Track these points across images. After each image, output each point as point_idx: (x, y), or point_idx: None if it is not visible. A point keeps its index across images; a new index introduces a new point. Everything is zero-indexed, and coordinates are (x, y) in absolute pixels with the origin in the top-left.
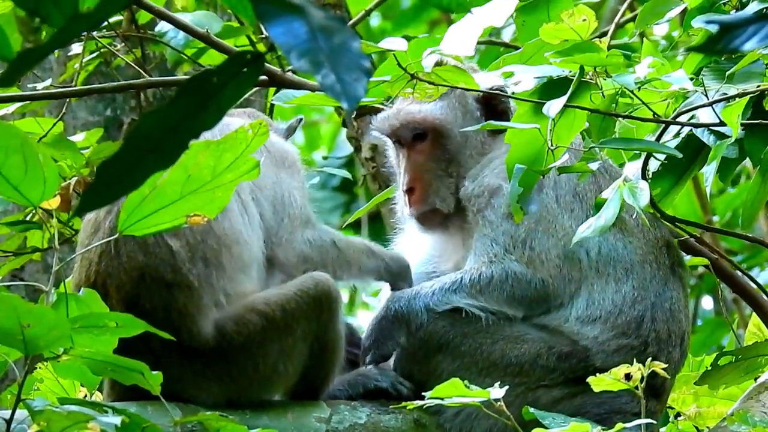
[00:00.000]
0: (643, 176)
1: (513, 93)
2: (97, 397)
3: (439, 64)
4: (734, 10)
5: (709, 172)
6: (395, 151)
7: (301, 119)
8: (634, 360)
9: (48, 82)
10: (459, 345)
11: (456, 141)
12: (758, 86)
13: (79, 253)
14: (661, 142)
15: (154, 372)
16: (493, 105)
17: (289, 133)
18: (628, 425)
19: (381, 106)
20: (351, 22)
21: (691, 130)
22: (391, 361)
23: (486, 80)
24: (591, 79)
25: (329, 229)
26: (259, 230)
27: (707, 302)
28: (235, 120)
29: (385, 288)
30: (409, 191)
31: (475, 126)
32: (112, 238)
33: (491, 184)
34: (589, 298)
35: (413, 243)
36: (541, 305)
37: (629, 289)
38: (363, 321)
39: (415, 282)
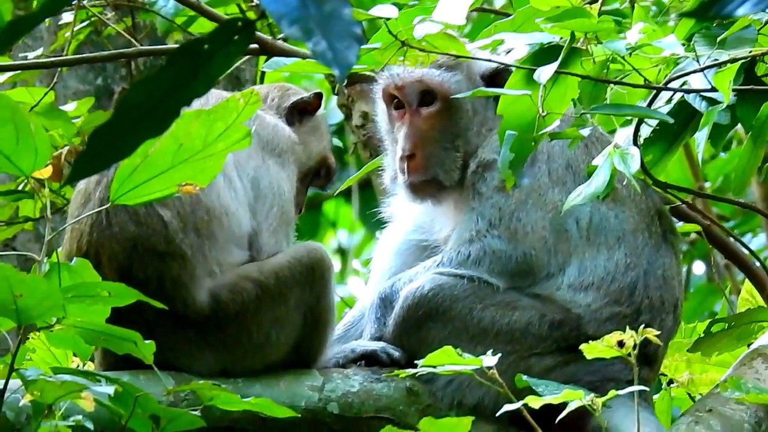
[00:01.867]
0: (635, 142)
1: (504, 61)
2: (90, 366)
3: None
4: None
5: (700, 138)
6: (389, 115)
7: (320, 94)
8: (627, 327)
9: (39, 51)
10: (448, 310)
11: (467, 115)
12: (750, 52)
13: (70, 223)
14: (652, 108)
15: (146, 341)
16: (499, 83)
17: (293, 108)
18: (620, 392)
19: (372, 74)
20: None
21: (682, 96)
22: None
23: (487, 57)
24: (582, 45)
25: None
26: (246, 205)
27: (699, 269)
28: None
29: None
30: (409, 158)
31: (466, 93)
32: (103, 208)
33: (485, 158)
34: (580, 266)
35: (404, 211)
36: (525, 278)
37: (621, 257)
38: (354, 288)
39: (405, 250)
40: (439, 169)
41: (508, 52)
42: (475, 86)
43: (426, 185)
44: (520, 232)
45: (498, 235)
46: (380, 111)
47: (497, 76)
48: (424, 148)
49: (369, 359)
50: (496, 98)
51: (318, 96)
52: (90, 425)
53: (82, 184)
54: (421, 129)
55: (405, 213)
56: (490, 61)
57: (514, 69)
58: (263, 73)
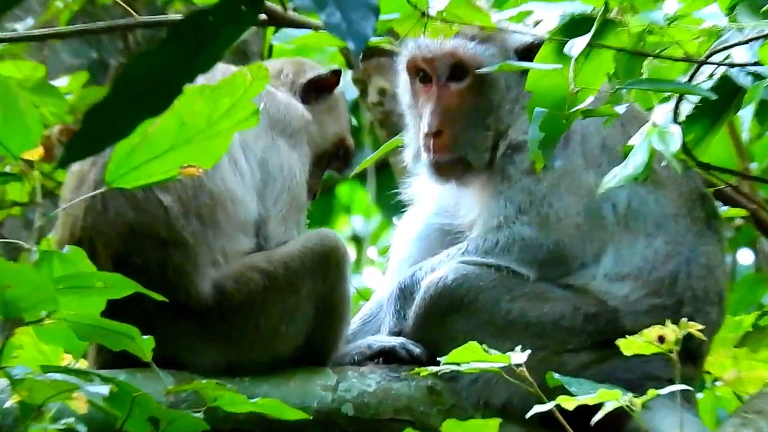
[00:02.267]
0: (675, 120)
1: (534, 33)
2: (83, 364)
3: None
4: None
5: (745, 115)
6: (412, 89)
7: (339, 71)
8: (668, 321)
9: (29, 22)
10: (474, 301)
11: (500, 92)
12: None
13: (63, 207)
14: (693, 83)
15: (145, 336)
16: (531, 59)
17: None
18: (661, 392)
19: (390, 47)
20: None
21: (725, 70)
22: None
23: (515, 29)
24: (617, 16)
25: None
26: (253, 190)
27: (745, 257)
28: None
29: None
30: (435, 135)
31: (492, 67)
32: (98, 191)
33: (515, 139)
34: (617, 254)
35: (426, 193)
36: (557, 267)
37: (661, 244)
38: (370, 278)
39: (426, 236)
40: (468, 149)
41: (537, 23)
42: (509, 60)
43: (452, 166)
44: (552, 218)
45: (528, 222)
46: (402, 84)
47: (531, 51)
48: (452, 125)
49: (387, 356)
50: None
51: (336, 73)
52: (83, 428)
53: (76, 166)
54: (450, 105)
55: (427, 196)
56: (517, 32)
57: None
58: (272, 46)
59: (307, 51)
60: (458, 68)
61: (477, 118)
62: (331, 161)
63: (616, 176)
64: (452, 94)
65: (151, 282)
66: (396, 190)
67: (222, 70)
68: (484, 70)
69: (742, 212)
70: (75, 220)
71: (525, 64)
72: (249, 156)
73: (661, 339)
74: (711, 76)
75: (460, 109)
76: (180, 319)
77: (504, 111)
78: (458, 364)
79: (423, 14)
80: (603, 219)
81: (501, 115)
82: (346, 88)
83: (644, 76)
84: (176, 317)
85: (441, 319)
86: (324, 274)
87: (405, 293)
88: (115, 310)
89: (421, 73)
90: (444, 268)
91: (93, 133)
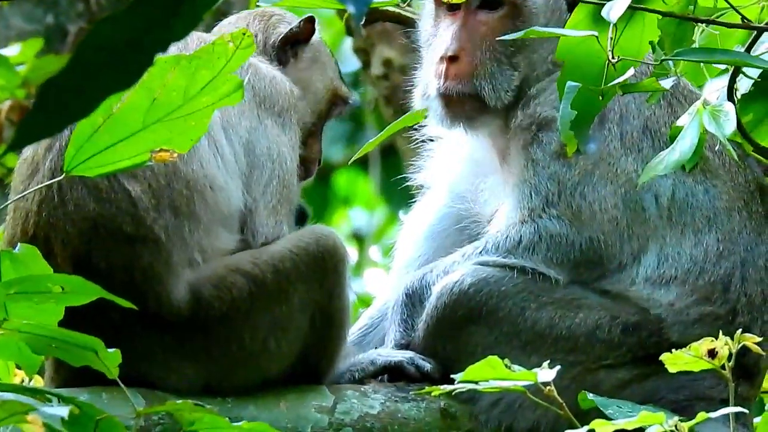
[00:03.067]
0: (730, 98)
1: None
2: (38, 382)
3: None
4: None
5: None
6: (435, 17)
7: (311, 18)
8: (720, 332)
9: None
10: (495, 309)
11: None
12: None
13: (13, 200)
14: (752, 54)
15: (110, 350)
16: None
17: (294, 35)
18: (712, 414)
19: (395, 10)
20: None
21: None
22: None
23: None
24: None
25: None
26: (237, 177)
27: None
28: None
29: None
30: (452, 60)
31: (515, 34)
32: (54, 180)
33: (542, 114)
34: (660, 254)
35: (440, 177)
36: (592, 269)
37: (713, 242)
38: (372, 282)
39: (440, 232)
40: (486, 83)
41: None
42: (557, 6)
43: (464, 100)
44: (585, 211)
45: (557, 216)
46: (426, 14)
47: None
48: (473, 51)
49: (393, 372)
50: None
51: (310, 20)
52: None
53: (28, 151)
54: (476, 31)
55: (440, 180)
56: None
57: None
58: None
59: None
60: None
61: (505, 51)
62: (327, 118)
63: (661, 162)
64: (480, 22)
65: (117, 286)
66: (403, 178)
67: (198, 39)
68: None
69: None
70: (27, 215)
71: (555, 31)
72: (232, 137)
73: (712, 353)
74: None
75: (487, 36)
76: (150, 331)
77: (538, 54)
78: (476, 383)
79: None
80: (644, 212)
81: (533, 59)
82: (347, 58)
83: (695, 45)
84: (146, 328)
85: (456, 330)
86: (320, 280)
87: (413, 299)
88: (74, 319)
89: None
90: (459, 270)
91: (49, 110)
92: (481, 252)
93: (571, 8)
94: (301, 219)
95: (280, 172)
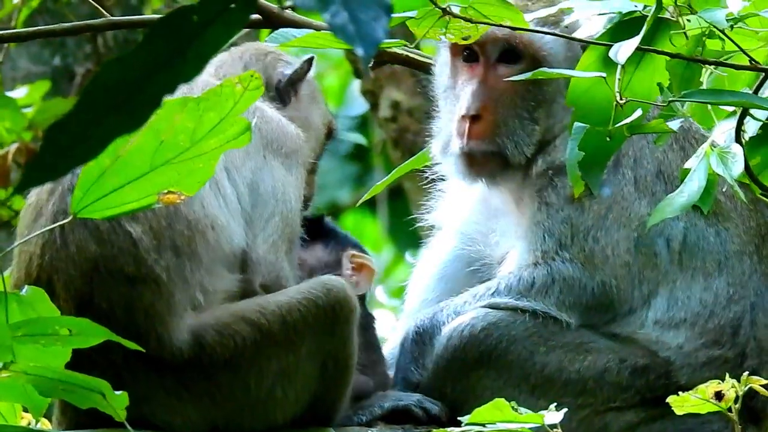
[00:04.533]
0: (738, 140)
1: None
2: (44, 424)
3: None
4: None
5: None
6: (452, 68)
7: (312, 58)
8: (728, 375)
9: None
10: (504, 353)
11: (556, 83)
12: None
13: (16, 244)
14: (760, 96)
15: (117, 392)
16: None
17: (291, 82)
18: None
19: (404, 53)
20: None
21: None
22: None
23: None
24: (672, 16)
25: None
26: (240, 216)
27: None
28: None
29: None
30: (474, 119)
31: (525, 75)
32: (59, 224)
33: (558, 159)
34: (670, 297)
35: (451, 218)
36: (603, 313)
37: (723, 286)
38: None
39: (452, 274)
40: (509, 141)
41: (577, 23)
42: (574, 54)
43: (487, 158)
44: (598, 255)
45: (570, 259)
46: (441, 63)
47: None
48: (494, 110)
49: (400, 415)
50: None
51: (309, 61)
52: None
53: (33, 195)
54: (496, 88)
55: (451, 222)
56: (554, 35)
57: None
58: None
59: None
60: (511, 52)
61: (525, 107)
62: (323, 152)
63: (669, 205)
64: (500, 77)
65: (118, 327)
66: (411, 220)
67: (204, 81)
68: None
69: None
70: (31, 258)
71: (564, 72)
72: (236, 178)
73: (719, 395)
74: None
75: (507, 94)
76: (152, 373)
77: (557, 106)
78: (483, 425)
79: (444, 12)
80: (656, 257)
81: (553, 109)
82: (354, 100)
83: (703, 86)
84: (148, 370)
85: (465, 373)
86: (330, 332)
87: (423, 338)
88: (77, 361)
89: (466, 51)
90: (470, 313)
91: (56, 153)
92: (493, 293)
93: None
94: (317, 224)
95: (284, 210)
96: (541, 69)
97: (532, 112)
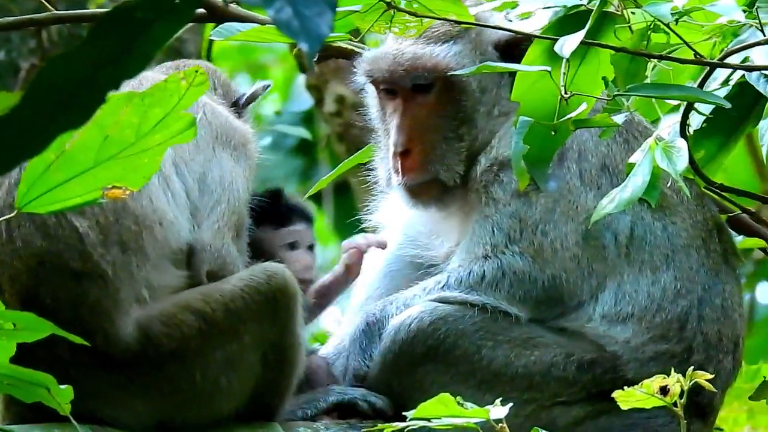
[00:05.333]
0: (683, 134)
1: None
2: None
3: None
4: None
5: (765, 128)
6: (380, 102)
7: (268, 86)
8: (674, 370)
9: None
10: (452, 348)
11: (473, 96)
12: None
13: None
14: (705, 90)
15: (62, 386)
16: (517, 55)
17: (249, 100)
18: None
19: (349, 46)
20: None
21: (743, 75)
22: None
23: (500, 21)
24: (616, 9)
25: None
26: (187, 211)
27: (765, 293)
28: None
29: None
30: (404, 154)
31: (466, 70)
32: (4, 218)
33: (501, 155)
34: (618, 291)
35: (395, 218)
36: (553, 307)
37: (670, 280)
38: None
39: (397, 271)
40: (440, 166)
41: (523, 17)
42: (486, 57)
43: (426, 187)
44: (548, 249)
45: (520, 252)
46: (370, 97)
47: (515, 47)
48: (420, 142)
49: (346, 409)
50: (513, 72)
51: (266, 87)
52: None
53: None
54: (417, 119)
55: (395, 222)
56: (500, 28)
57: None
58: (211, 43)
59: (252, 50)
60: (420, 77)
61: (448, 130)
62: None
63: (613, 200)
64: (418, 106)
65: (64, 323)
66: (357, 214)
67: (150, 77)
68: (458, 72)
69: (761, 243)
70: None
71: (507, 66)
72: (185, 172)
73: (665, 390)
74: (726, 81)
75: (429, 121)
76: (99, 368)
77: (480, 116)
78: (428, 420)
79: (389, 6)
80: (603, 249)
81: (476, 121)
82: (299, 95)
83: (648, 80)
84: (95, 365)
85: (412, 367)
86: (272, 318)
87: (372, 329)
88: (22, 356)
89: (383, 86)
90: (418, 306)
91: (1, 148)
92: (443, 287)
93: (502, 55)
94: (275, 197)
95: (230, 198)
96: (486, 63)
97: (456, 131)
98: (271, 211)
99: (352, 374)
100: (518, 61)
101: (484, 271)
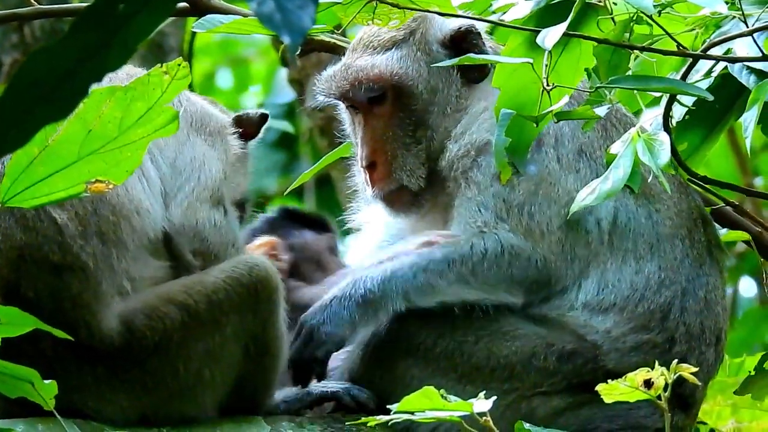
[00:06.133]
0: (665, 126)
1: (501, 20)
2: None
3: None
4: None
5: (748, 120)
6: (348, 117)
7: (266, 117)
8: (656, 361)
9: None
10: (433, 347)
11: (422, 98)
12: None
13: None
14: (687, 82)
15: (46, 381)
16: (465, 48)
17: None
18: None
19: (331, 39)
20: None
21: (725, 66)
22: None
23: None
24: (599, 1)
25: (237, 227)
26: (161, 197)
27: (748, 288)
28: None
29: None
30: (370, 167)
31: (449, 61)
32: None
33: (478, 140)
34: (600, 279)
35: (376, 220)
36: (542, 289)
37: (654, 270)
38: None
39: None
40: (403, 173)
41: (505, 10)
42: (434, 58)
43: (397, 195)
44: (536, 230)
45: (510, 230)
46: (342, 111)
47: (463, 39)
48: (383, 152)
49: (329, 402)
50: (462, 67)
51: (264, 118)
52: None
53: None
54: (377, 129)
55: (376, 222)
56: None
57: (480, 26)
58: (192, 38)
59: (235, 43)
60: (373, 91)
61: (405, 136)
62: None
63: (593, 191)
64: (376, 117)
65: (47, 316)
66: (339, 209)
67: (130, 71)
68: (439, 64)
69: (745, 236)
70: None
71: (488, 58)
72: (159, 158)
73: (648, 383)
74: (708, 73)
75: (387, 132)
76: (83, 362)
77: (433, 118)
78: (412, 413)
79: None
80: (586, 234)
81: (430, 122)
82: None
83: (630, 72)
84: (78, 359)
85: (394, 361)
86: (254, 310)
87: (368, 304)
88: (5, 350)
89: (346, 102)
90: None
91: None
92: (440, 262)
93: (450, 49)
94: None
95: (201, 176)
96: (468, 55)
97: (413, 135)
98: (309, 219)
99: (332, 339)
100: (468, 52)
101: (485, 245)
